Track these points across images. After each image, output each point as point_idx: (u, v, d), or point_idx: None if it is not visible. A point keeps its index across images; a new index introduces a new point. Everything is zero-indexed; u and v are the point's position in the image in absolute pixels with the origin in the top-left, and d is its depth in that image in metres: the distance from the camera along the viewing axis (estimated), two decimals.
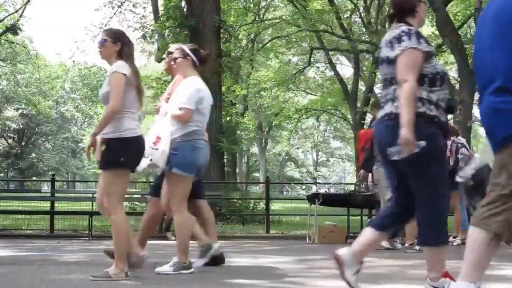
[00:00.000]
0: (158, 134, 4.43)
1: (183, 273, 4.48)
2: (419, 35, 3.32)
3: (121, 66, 4.13)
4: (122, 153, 4.06)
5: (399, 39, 3.32)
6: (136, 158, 4.23)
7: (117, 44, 4.22)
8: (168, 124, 4.49)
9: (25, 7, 20.69)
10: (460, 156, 8.20)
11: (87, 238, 9.67)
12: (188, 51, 4.84)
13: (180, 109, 4.54)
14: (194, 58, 4.84)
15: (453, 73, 24.05)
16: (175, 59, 4.84)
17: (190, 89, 4.63)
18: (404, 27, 3.38)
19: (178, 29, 15.63)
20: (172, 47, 5.14)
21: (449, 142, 8.02)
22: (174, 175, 4.50)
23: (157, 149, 4.36)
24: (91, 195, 10.85)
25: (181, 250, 4.54)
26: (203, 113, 4.70)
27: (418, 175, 3.30)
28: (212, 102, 4.91)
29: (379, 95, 25.43)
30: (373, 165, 7.59)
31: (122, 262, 4.08)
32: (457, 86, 15.70)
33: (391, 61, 3.34)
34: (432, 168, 3.28)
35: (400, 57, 3.28)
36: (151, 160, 4.36)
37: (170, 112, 4.55)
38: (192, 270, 4.57)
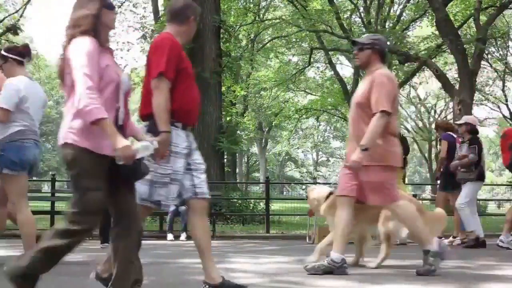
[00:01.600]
0: None
1: None
2: None
3: None
4: None
5: None
6: None
7: None
8: None
9: (25, 7, 20.65)
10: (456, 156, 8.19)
11: (87, 238, 9.67)
12: (6, 54, 4.87)
13: None
14: (14, 57, 4.87)
15: (453, 73, 24.04)
16: (0, 66, 4.90)
17: (8, 89, 4.70)
18: None
19: None
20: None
21: (457, 144, 8.07)
22: (7, 176, 4.65)
23: None
24: None
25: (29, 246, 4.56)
26: (27, 112, 4.75)
27: None
28: (43, 100, 4.94)
29: None
30: None
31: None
32: (457, 86, 15.69)
33: None
34: None
35: None
36: None
37: None
38: None
